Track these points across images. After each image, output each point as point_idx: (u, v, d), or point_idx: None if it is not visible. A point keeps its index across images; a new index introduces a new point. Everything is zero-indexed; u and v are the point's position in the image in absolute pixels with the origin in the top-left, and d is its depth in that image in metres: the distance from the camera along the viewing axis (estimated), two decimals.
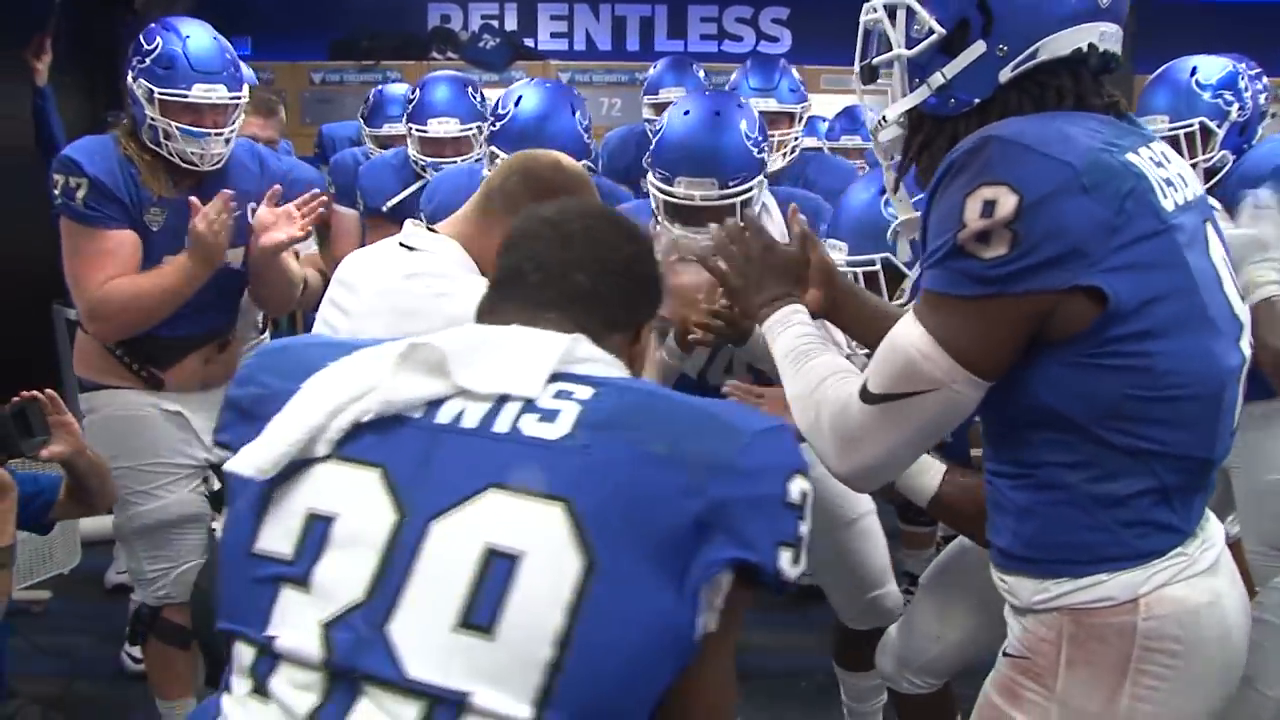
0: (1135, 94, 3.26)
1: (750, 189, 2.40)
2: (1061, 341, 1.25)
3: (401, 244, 1.91)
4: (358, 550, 1.00)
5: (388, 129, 4.23)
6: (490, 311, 1.22)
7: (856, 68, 1.49)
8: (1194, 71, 2.79)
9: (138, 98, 2.56)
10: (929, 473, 1.87)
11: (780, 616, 3.40)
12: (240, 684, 1.02)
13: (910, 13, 1.40)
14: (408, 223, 1.97)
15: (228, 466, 1.08)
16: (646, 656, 0.96)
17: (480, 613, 0.95)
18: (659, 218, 2.45)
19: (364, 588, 0.99)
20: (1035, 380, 1.28)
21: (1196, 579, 1.31)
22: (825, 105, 4.74)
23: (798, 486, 1.02)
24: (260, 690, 1.00)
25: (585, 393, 1.05)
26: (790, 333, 1.53)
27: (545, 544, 0.97)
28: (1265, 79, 2.98)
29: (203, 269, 2.51)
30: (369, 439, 1.05)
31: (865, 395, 1.32)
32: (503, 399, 1.05)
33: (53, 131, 4.41)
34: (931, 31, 1.37)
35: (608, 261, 1.22)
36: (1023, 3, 1.33)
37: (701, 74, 4.07)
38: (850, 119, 4.46)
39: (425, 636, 0.96)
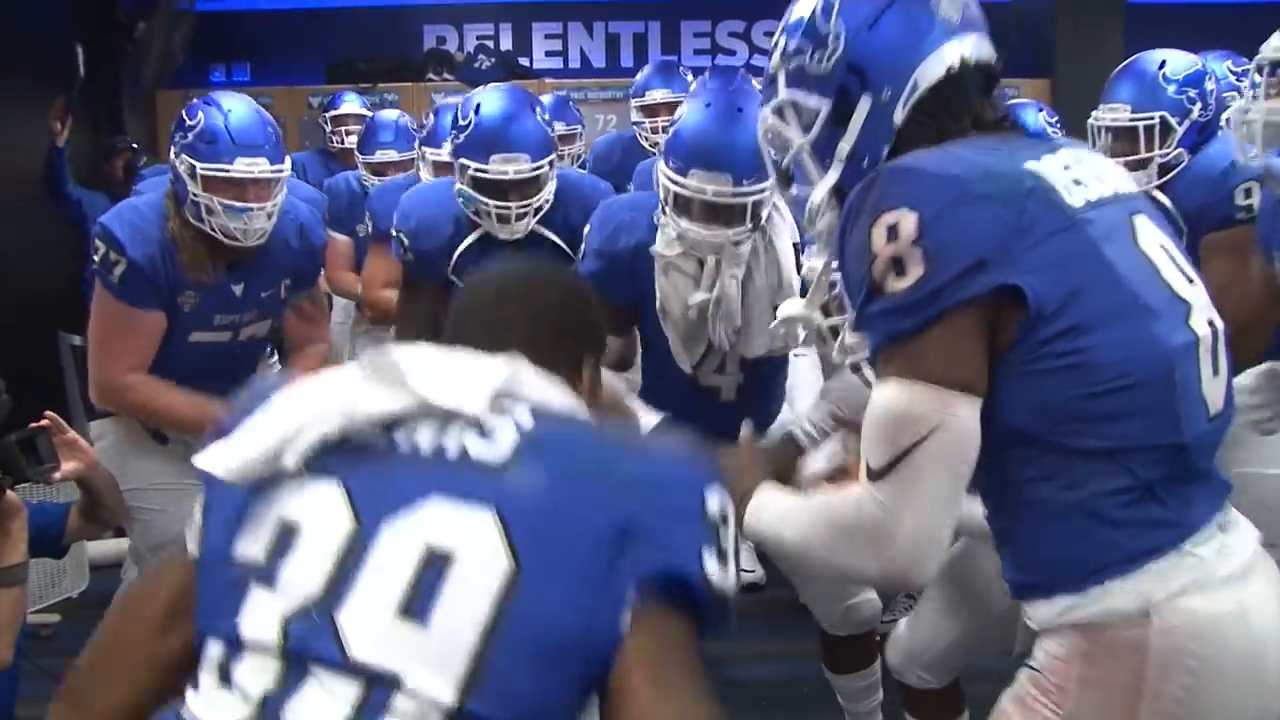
0: None
1: (764, 190, 2.27)
2: (1000, 355, 1.26)
3: None
4: (318, 553, 1.10)
5: (380, 155, 4.27)
6: None
7: (772, 180, 1.54)
8: (1163, 64, 2.75)
9: (180, 174, 2.56)
10: None
11: (779, 623, 3.43)
12: (207, 679, 1.11)
13: (795, 105, 1.46)
14: None
15: (196, 461, 1.17)
16: (565, 656, 1.06)
17: (417, 604, 1.06)
18: (666, 210, 2.34)
19: (320, 584, 1.09)
20: (988, 401, 1.27)
21: (1216, 590, 1.25)
22: None
23: (716, 500, 1.13)
24: (225, 681, 1.09)
25: (524, 416, 1.17)
26: (770, 505, 1.48)
27: (476, 546, 1.07)
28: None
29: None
30: (334, 456, 1.15)
31: (871, 475, 1.28)
32: (451, 416, 1.16)
33: (63, 185, 4.69)
34: (819, 111, 1.42)
35: (541, 311, 1.35)
36: (887, 46, 1.38)
37: (689, 77, 4.12)
38: None
39: (369, 623, 1.06)
